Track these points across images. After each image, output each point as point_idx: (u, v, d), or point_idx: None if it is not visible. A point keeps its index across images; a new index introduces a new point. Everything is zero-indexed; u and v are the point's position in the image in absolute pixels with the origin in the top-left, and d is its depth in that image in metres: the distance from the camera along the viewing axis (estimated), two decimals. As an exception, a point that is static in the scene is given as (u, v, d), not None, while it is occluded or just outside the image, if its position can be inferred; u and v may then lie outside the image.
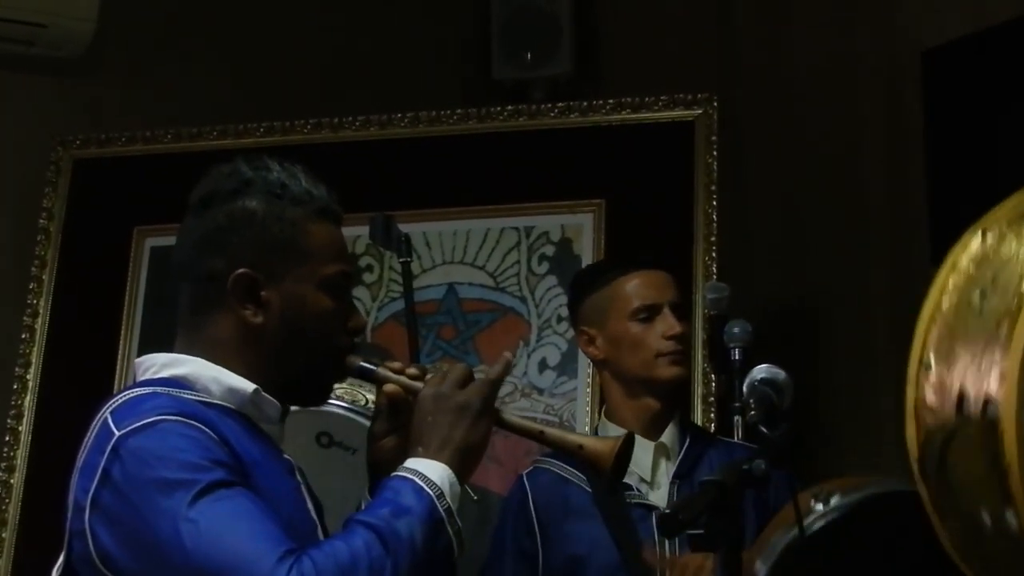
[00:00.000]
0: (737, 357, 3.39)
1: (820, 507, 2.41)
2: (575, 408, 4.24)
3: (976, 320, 1.75)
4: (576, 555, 3.06)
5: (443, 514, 1.98)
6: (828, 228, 4.66)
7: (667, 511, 1.82)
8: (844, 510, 2.38)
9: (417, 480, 1.99)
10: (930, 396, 1.79)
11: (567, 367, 4.27)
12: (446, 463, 2.02)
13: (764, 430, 2.21)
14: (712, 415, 4.07)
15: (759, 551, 2.43)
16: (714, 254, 4.22)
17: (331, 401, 2.83)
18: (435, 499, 1.97)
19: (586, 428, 4.05)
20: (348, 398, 3.28)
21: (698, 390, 4.11)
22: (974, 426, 1.68)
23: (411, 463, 2.03)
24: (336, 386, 2.83)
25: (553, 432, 2.23)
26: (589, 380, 4.18)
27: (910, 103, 4.36)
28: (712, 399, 4.07)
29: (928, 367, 1.80)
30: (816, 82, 4.74)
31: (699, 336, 4.08)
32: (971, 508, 1.69)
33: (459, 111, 4.60)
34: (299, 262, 2.10)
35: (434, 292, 4.44)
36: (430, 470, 2.01)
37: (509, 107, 4.61)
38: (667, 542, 2.90)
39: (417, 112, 4.58)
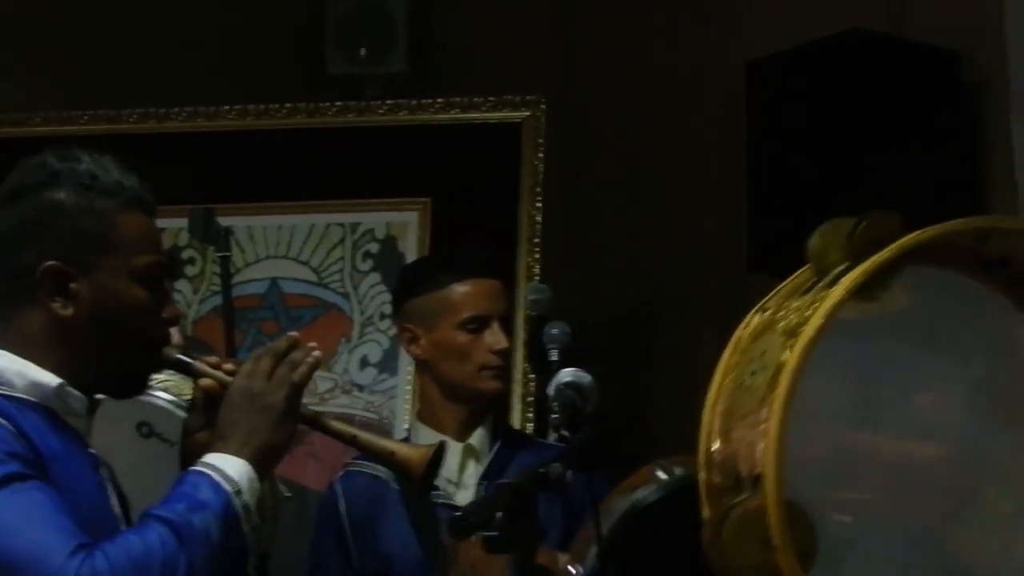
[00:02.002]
0: (555, 358, 3.43)
1: (663, 475, 2.44)
2: (395, 405, 4.26)
3: (747, 397, 1.76)
4: (386, 554, 3.07)
5: (240, 511, 1.97)
6: (659, 234, 4.73)
7: (458, 514, 1.84)
8: (686, 480, 2.41)
9: (215, 476, 1.98)
10: (718, 477, 1.80)
11: (388, 365, 4.28)
12: (247, 460, 2.02)
13: (566, 433, 2.24)
14: (531, 415, 4.11)
15: (578, 550, 2.47)
16: (537, 255, 4.27)
17: (155, 392, 2.81)
18: (232, 496, 1.97)
19: (405, 425, 4.06)
20: (175, 390, 3.25)
21: (518, 390, 4.15)
22: (747, 501, 1.69)
23: (211, 458, 2.02)
24: (163, 377, 2.83)
25: (366, 436, 2.23)
26: (410, 378, 4.19)
27: (736, 113, 4.45)
28: (531, 399, 4.11)
29: (715, 449, 1.81)
30: (649, 90, 4.81)
31: (520, 336, 4.12)
32: None
33: (288, 105, 4.58)
34: (110, 253, 2.08)
35: (257, 286, 4.42)
36: (230, 466, 2.00)
37: (338, 103, 4.60)
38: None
39: (245, 105, 4.55)
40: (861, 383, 1.86)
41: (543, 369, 3.50)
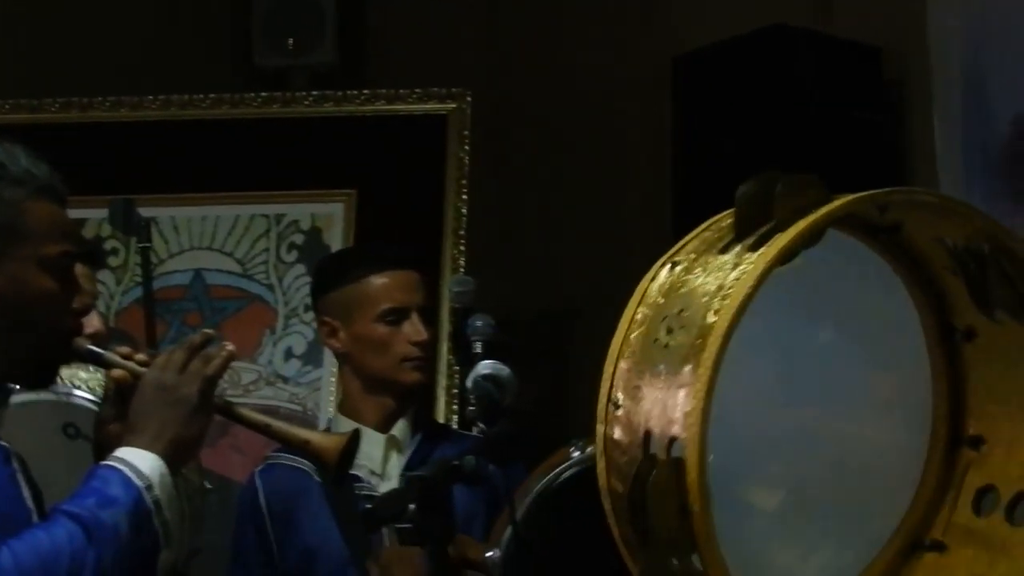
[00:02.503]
0: (479, 350, 3.43)
1: (577, 454, 2.45)
2: (319, 397, 4.25)
3: (662, 355, 1.69)
4: (308, 547, 3.06)
5: (151, 506, 1.96)
6: (584, 227, 4.75)
7: (368, 506, 1.84)
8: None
9: (126, 471, 1.96)
10: (619, 433, 1.74)
11: (313, 356, 4.27)
12: (159, 454, 2.01)
13: (482, 426, 2.25)
14: (456, 407, 4.12)
15: (494, 534, 2.48)
16: (462, 247, 4.27)
17: (80, 393, 2.80)
18: (143, 491, 1.95)
19: (330, 417, 4.05)
20: (101, 391, 3.23)
21: (443, 382, 4.15)
22: (661, 467, 1.62)
23: (122, 452, 2.00)
24: (87, 377, 2.81)
25: (279, 425, 2.23)
26: (334, 370, 4.17)
27: (662, 108, 4.47)
28: (456, 391, 4.11)
29: (616, 404, 1.75)
30: (575, 83, 4.82)
31: (445, 329, 4.12)
32: (662, 554, 1.65)
33: (212, 96, 4.55)
34: (19, 243, 2.06)
35: (181, 278, 4.39)
36: (141, 461, 1.98)
37: (263, 94, 4.58)
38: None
39: (169, 95, 4.52)
40: (773, 352, 1.84)
41: (467, 361, 3.49)
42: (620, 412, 1.73)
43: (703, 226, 1.82)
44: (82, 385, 2.76)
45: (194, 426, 2.06)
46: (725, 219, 1.79)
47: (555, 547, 2.37)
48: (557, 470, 2.39)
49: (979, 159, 4.13)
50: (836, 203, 1.68)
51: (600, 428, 1.76)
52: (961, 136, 4.16)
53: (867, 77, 4.23)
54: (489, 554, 2.46)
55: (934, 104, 4.18)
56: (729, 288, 1.64)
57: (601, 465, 1.77)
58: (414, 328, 3.10)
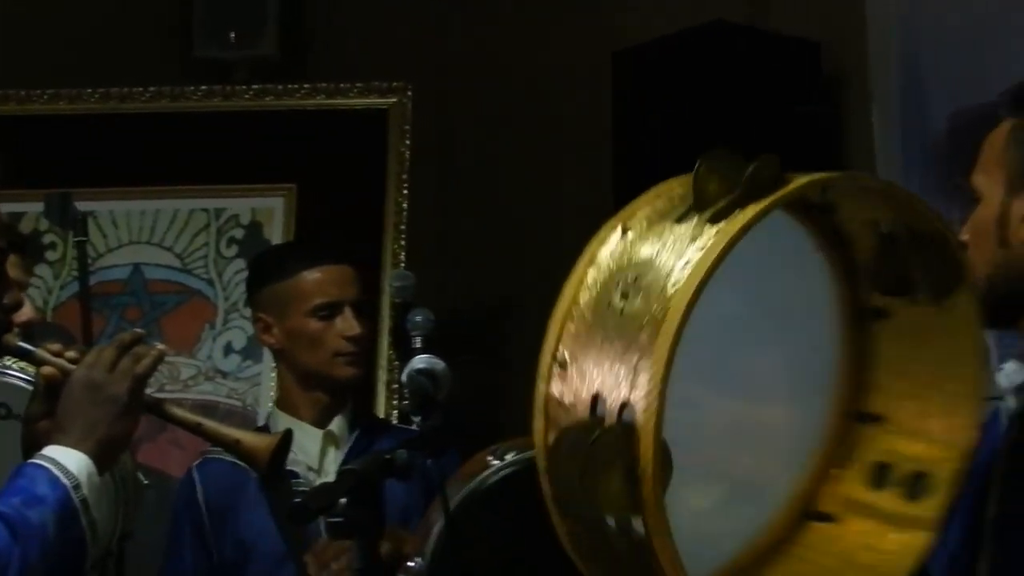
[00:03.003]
0: (418, 345, 3.43)
1: (496, 463, 2.46)
2: (259, 393, 4.23)
3: (616, 320, 1.69)
4: (244, 541, 3.06)
5: (78, 505, 1.95)
6: (525, 222, 4.75)
7: (298, 500, 1.84)
8: (518, 465, 2.43)
9: (54, 469, 1.96)
10: (563, 393, 1.74)
11: (253, 351, 4.26)
12: (87, 453, 2.00)
13: (416, 419, 2.25)
14: (396, 402, 4.12)
15: (417, 542, 2.48)
16: (403, 242, 4.27)
17: (13, 372, 2.77)
18: (71, 490, 1.95)
19: (268, 413, 4.04)
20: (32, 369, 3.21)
21: (383, 377, 4.15)
22: (610, 431, 1.63)
23: (50, 451, 2.00)
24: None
25: (210, 425, 2.22)
26: (274, 365, 4.16)
27: (602, 103, 4.48)
28: (396, 386, 4.11)
29: (563, 364, 1.74)
30: (516, 78, 4.82)
31: (386, 323, 4.13)
32: (598, 512, 1.66)
33: (152, 89, 4.53)
34: (-54, 240, 2.06)
35: (120, 272, 4.37)
36: (69, 460, 1.98)
37: (204, 87, 4.56)
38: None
39: (109, 88, 4.49)
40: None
41: (407, 356, 3.50)
42: (565, 372, 1.73)
43: (653, 192, 1.82)
44: (13, 364, 2.73)
45: (123, 425, 2.06)
46: (676, 188, 1.80)
47: (477, 557, 2.38)
48: (475, 482, 2.39)
49: (917, 153, 4.17)
50: (794, 184, 1.71)
51: (542, 386, 1.76)
52: (899, 130, 4.20)
53: (806, 72, 4.25)
54: (412, 564, 2.46)
55: (873, 99, 4.22)
56: (691, 260, 1.65)
57: (539, 424, 1.76)
58: (347, 323, 3.10)
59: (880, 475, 1.91)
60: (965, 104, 3.95)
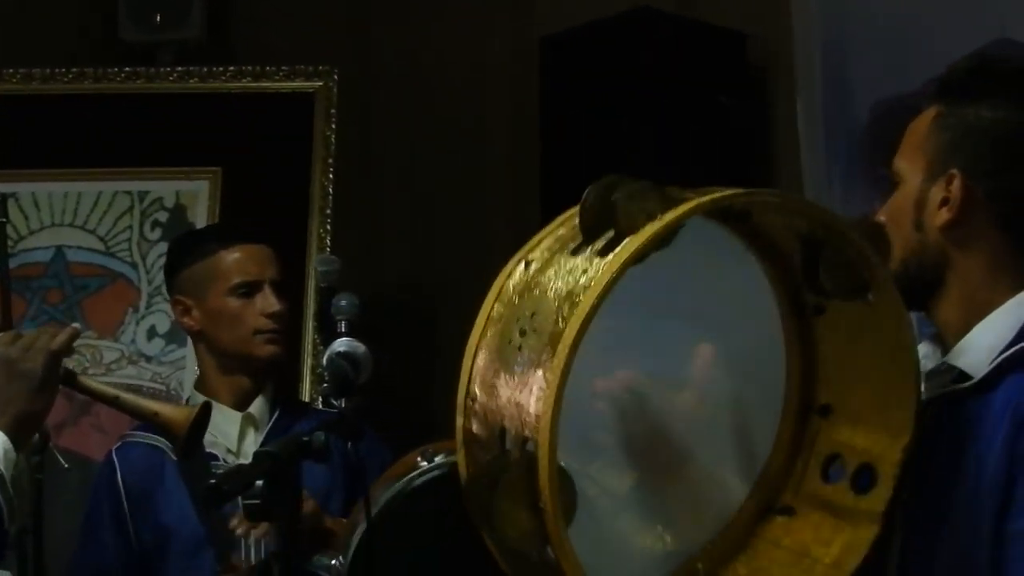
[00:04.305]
0: (343, 330, 3.42)
1: (425, 464, 2.46)
2: (183, 376, 4.20)
3: (515, 357, 1.72)
4: (164, 525, 3.05)
5: (-6, 481, 1.95)
6: (451, 207, 4.75)
7: (212, 482, 1.83)
8: (446, 468, 2.44)
9: (-31, 446, 1.95)
10: (476, 427, 1.78)
11: (176, 335, 4.22)
12: (2, 429, 1.99)
13: (335, 402, 2.25)
14: (320, 387, 4.10)
15: (340, 541, 2.48)
16: (328, 227, 4.26)
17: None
18: (-13, 466, 1.95)
19: (187, 397, 4.03)
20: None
21: (308, 361, 4.14)
22: (514, 466, 1.67)
23: (-34, 428, 1.99)
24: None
25: (128, 397, 2.23)
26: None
27: (529, 88, 4.49)
28: (321, 371, 4.10)
29: (474, 398, 1.78)
30: (443, 63, 4.82)
31: (311, 308, 4.12)
32: (516, 543, 1.70)
33: (75, 70, 4.48)
34: None
35: (41, 255, 4.32)
36: (-16, 436, 1.97)
37: (127, 68, 4.52)
38: None
39: (30, 69, 4.45)
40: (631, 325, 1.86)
41: (331, 340, 3.50)
42: (477, 407, 1.77)
43: (559, 221, 1.84)
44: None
45: (39, 400, 2.05)
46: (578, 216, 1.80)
47: (399, 560, 2.38)
48: (403, 482, 2.40)
49: (841, 144, 4.20)
50: (680, 209, 1.71)
51: (459, 420, 1.80)
52: (823, 121, 4.23)
53: (731, 61, 4.27)
54: (333, 561, 2.47)
55: (797, 89, 4.25)
56: (578, 296, 1.67)
57: (460, 456, 1.80)
58: (266, 300, 3.10)
59: (831, 468, 1.95)
60: (887, 95, 3.99)
